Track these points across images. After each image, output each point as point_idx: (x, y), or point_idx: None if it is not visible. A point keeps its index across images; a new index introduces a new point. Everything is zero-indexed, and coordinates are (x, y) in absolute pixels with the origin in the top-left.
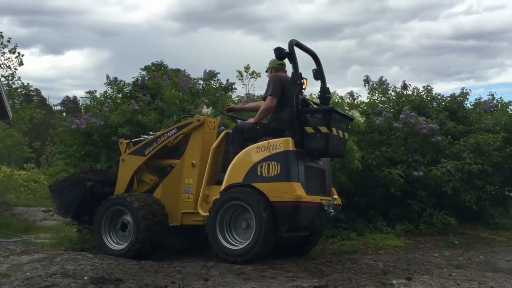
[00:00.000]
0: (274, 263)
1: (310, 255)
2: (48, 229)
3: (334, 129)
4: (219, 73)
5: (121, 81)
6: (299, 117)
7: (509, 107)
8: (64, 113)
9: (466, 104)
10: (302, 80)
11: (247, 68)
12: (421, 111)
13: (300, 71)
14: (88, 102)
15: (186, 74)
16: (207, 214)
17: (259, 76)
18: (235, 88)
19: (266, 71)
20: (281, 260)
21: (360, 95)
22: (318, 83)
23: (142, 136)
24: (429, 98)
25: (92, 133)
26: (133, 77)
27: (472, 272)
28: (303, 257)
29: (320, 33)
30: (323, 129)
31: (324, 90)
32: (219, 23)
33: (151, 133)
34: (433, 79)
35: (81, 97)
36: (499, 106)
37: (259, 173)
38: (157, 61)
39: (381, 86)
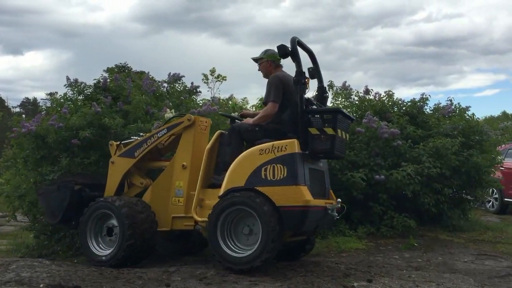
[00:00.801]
0: None
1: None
2: (4, 235)
3: (339, 131)
4: (183, 76)
5: (82, 82)
6: (302, 117)
7: (467, 112)
8: (24, 115)
9: (426, 109)
10: (305, 80)
11: (212, 71)
12: (382, 115)
13: (304, 70)
14: (48, 104)
15: (150, 76)
16: (203, 219)
17: (225, 80)
18: (200, 91)
19: (256, 61)
20: None
21: None
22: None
23: (132, 137)
24: (390, 103)
25: (46, 136)
26: (95, 79)
27: (430, 273)
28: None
29: (285, 37)
30: (329, 131)
31: (322, 90)
32: (184, 26)
33: (141, 134)
34: (395, 84)
35: (41, 99)
36: (457, 111)
37: (263, 176)
38: (120, 63)
39: (344, 91)
